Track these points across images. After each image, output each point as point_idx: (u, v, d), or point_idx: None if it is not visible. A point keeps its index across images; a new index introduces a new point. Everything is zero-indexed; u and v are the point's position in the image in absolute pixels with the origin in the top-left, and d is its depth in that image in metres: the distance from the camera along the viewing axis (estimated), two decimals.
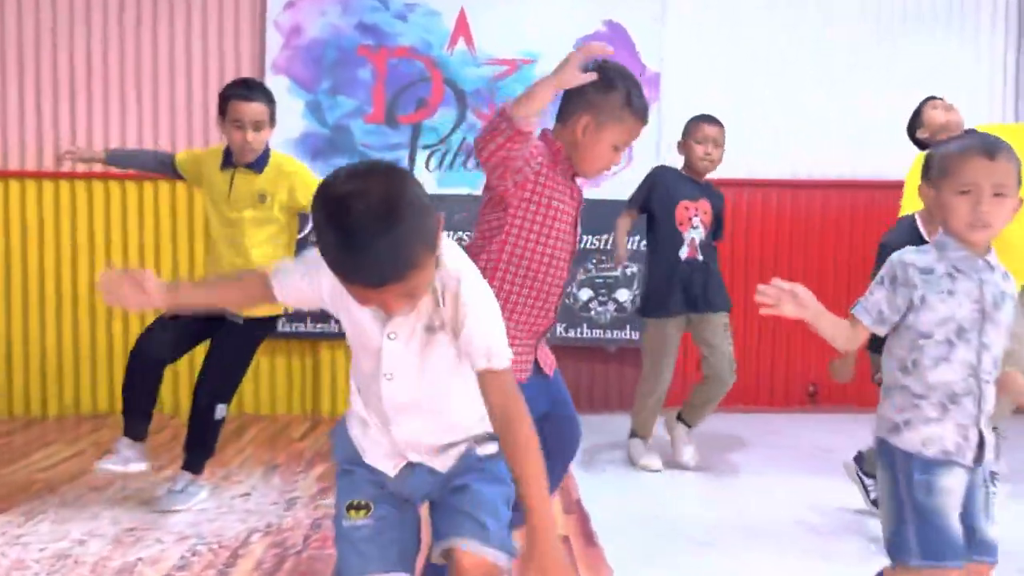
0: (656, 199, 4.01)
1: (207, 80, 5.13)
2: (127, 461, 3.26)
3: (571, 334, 5.12)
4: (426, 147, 5.10)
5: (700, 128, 4.03)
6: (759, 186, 5.33)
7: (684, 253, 3.96)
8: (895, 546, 1.88)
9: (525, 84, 5.02)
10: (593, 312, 5.12)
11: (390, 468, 1.73)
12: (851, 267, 5.27)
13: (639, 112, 2.33)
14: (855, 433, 4.15)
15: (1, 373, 5.00)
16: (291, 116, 4.98)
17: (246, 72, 5.06)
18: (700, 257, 3.97)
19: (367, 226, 1.38)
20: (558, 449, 2.27)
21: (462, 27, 5.10)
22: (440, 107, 5.10)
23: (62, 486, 3.57)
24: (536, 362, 2.30)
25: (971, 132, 2.61)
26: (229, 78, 4.98)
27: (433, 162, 5.09)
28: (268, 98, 3.37)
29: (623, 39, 5.12)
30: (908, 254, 1.92)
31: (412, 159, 5.09)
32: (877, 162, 5.29)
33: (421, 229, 1.44)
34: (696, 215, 4.00)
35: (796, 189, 5.37)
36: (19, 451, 4.17)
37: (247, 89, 3.36)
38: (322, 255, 1.48)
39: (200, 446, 3.36)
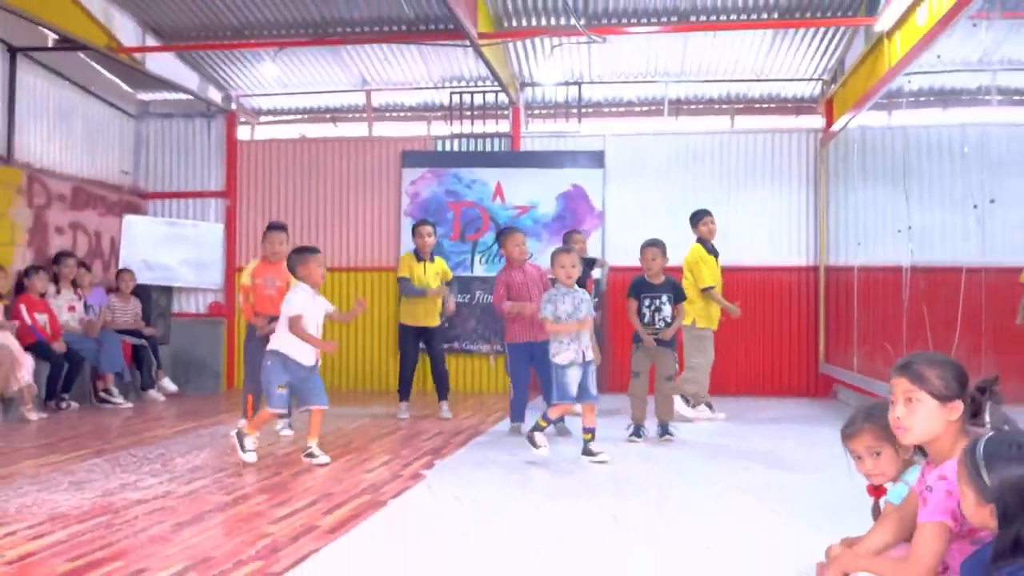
0: None
1: (373, 219, 9.11)
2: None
3: None
4: (479, 252, 8.82)
5: (570, 236, 6.84)
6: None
7: None
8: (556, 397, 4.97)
9: (531, 219, 8.68)
10: None
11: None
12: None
13: (510, 230, 5.99)
14: None
15: None
16: None
17: (391, 216, 9.02)
18: None
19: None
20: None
21: (499, 190, 8.82)
22: (487, 232, 8.81)
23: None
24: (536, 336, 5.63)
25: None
26: (383, 219, 9.01)
27: (484, 260, 8.79)
28: (434, 226, 6.96)
29: (582, 194, 8.67)
30: (553, 292, 5.03)
31: (472, 259, 8.81)
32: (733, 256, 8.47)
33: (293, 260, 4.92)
34: None
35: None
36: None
37: (425, 221, 6.99)
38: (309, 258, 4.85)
39: (447, 384, 6.86)
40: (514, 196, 8.77)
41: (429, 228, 6.78)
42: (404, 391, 6.83)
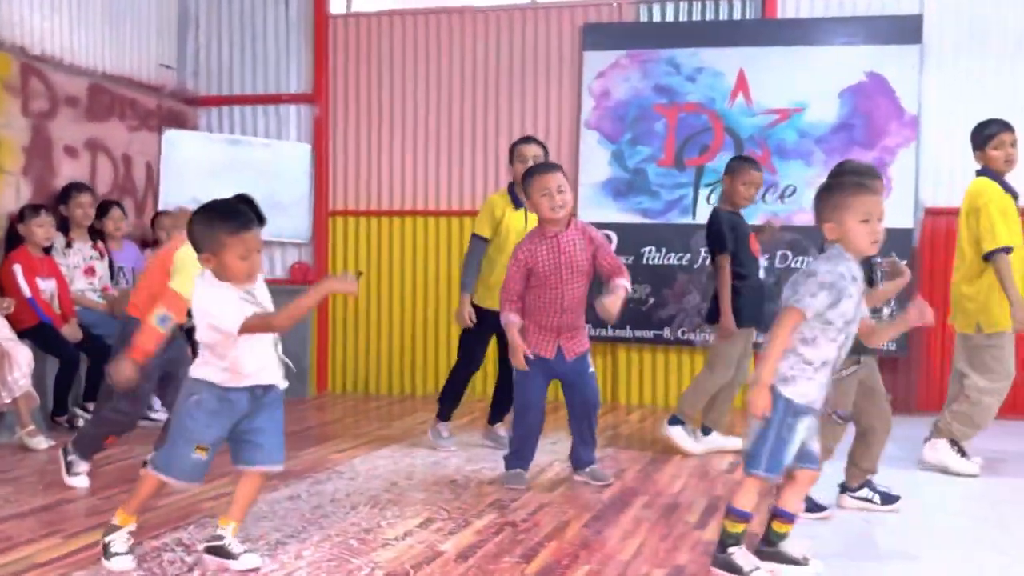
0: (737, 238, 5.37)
1: (536, 134, 7.36)
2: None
3: None
4: (707, 185, 7.04)
5: (747, 172, 5.37)
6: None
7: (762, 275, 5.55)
8: (750, 461, 3.22)
9: (795, 130, 6.88)
10: None
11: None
12: None
13: (536, 170, 4.61)
14: None
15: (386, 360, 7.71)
16: (598, 164, 7.18)
17: (566, 129, 7.37)
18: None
19: (235, 204, 3.26)
20: (573, 406, 4.65)
21: (741, 84, 7.01)
22: (720, 152, 7.01)
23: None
24: (560, 347, 4.57)
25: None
26: (553, 134, 7.41)
27: (713, 197, 7.01)
28: (543, 146, 5.51)
29: (883, 87, 6.75)
30: (838, 265, 3.18)
31: (695, 196, 7.05)
32: None
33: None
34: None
35: None
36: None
37: (528, 138, 5.58)
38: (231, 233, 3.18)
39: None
40: (767, 94, 6.97)
41: (536, 149, 5.44)
42: (452, 404, 5.67)
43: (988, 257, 4.93)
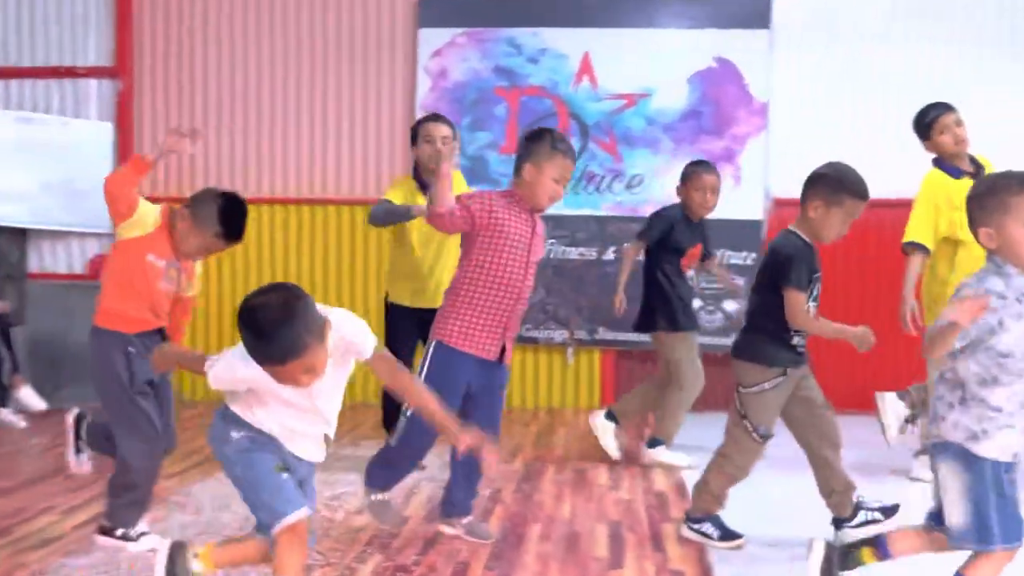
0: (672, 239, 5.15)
1: (366, 116, 7.00)
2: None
3: None
4: None
5: (697, 177, 5.09)
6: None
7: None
8: (983, 538, 2.68)
9: (642, 116, 6.61)
10: (704, 320, 6.49)
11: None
12: None
13: (565, 151, 3.66)
14: None
15: None
16: None
17: (398, 112, 6.91)
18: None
19: (270, 323, 2.39)
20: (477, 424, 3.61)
21: (586, 67, 6.70)
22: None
23: None
24: (504, 349, 3.72)
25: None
26: (386, 115, 6.95)
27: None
28: (452, 125, 4.98)
29: (732, 73, 6.56)
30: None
31: None
32: None
33: (309, 323, 2.43)
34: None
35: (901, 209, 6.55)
36: None
37: (438, 117, 5.01)
38: (249, 354, 2.47)
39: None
40: (613, 78, 6.70)
41: (444, 129, 4.89)
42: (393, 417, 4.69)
43: (906, 249, 4.83)
